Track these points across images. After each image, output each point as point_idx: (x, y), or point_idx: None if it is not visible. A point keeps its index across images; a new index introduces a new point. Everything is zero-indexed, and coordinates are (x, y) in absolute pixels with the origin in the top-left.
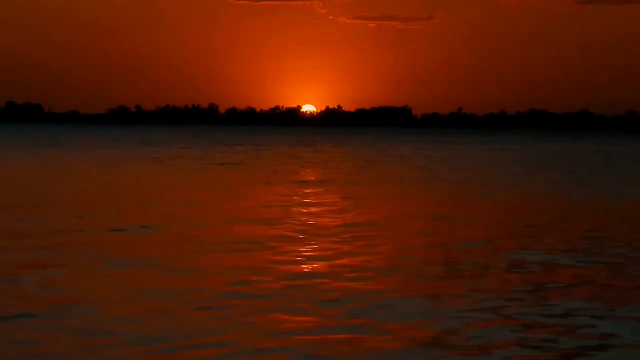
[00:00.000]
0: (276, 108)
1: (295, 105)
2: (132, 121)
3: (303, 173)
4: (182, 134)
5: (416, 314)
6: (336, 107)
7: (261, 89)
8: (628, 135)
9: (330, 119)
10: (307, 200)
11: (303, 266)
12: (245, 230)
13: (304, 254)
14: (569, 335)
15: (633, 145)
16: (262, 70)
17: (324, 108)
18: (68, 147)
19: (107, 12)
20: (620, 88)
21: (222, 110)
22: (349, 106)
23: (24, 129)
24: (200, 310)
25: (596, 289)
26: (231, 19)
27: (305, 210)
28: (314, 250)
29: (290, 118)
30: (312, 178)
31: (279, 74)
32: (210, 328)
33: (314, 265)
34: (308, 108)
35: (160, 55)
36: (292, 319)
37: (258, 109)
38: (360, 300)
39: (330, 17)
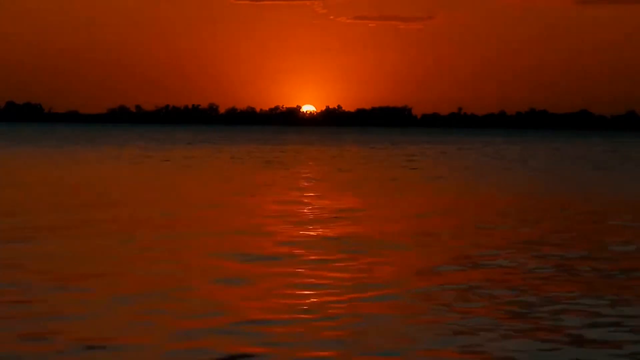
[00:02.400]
0: (276, 108)
1: (295, 105)
2: (132, 121)
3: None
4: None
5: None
6: (336, 107)
7: (261, 89)
8: (627, 135)
9: (330, 119)
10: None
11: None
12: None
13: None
14: None
15: None
16: (262, 70)
17: (324, 108)
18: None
19: (107, 13)
20: (620, 88)
21: (222, 110)
22: (349, 106)
23: (26, 128)
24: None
25: None
26: (231, 19)
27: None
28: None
29: (290, 118)
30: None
31: (279, 74)
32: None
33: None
34: (308, 108)
35: (160, 55)
36: None
37: (258, 109)
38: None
39: (331, 17)
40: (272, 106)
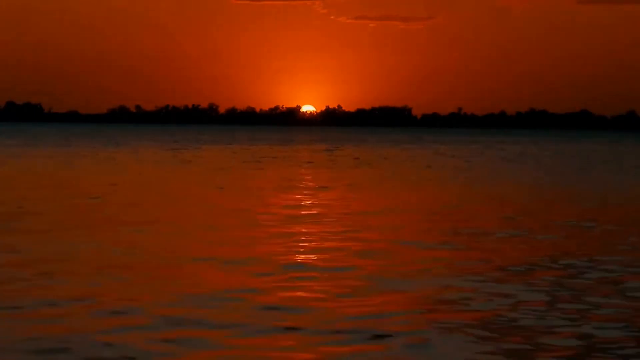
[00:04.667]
0: (276, 108)
1: (295, 105)
2: (132, 121)
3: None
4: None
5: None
6: (336, 107)
7: (261, 89)
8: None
9: (330, 119)
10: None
11: None
12: None
13: None
14: None
15: None
16: (262, 70)
17: (324, 108)
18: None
19: (107, 12)
20: (620, 88)
21: (222, 110)
22: (349, 106)
23: (26, 129)
24: None
25: None
26: (231, 19)
27: None
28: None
29: (290, 118)
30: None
31: (279, 74)
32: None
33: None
34: (308, 108)
35: (160, 55)
36: None
37: (258, 109)
38: None
39: (331, 17)
40: (272, 106)
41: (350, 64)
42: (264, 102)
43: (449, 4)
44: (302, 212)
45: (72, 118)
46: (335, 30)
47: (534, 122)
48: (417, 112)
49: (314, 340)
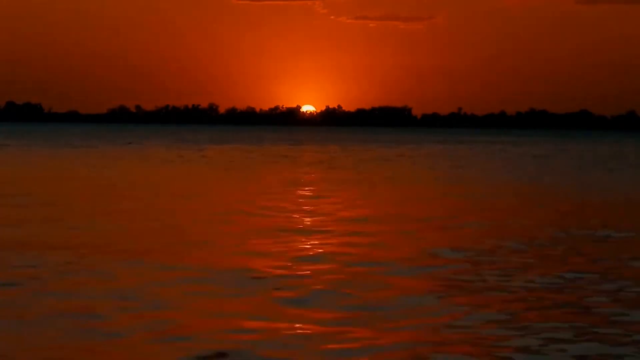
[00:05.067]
0: (276, 108)
1: (295, 105)
2: (132, 121)
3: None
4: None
5: None
6: (336, 107)
7: (261, 89)
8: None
9: (330, 119)
10: None
11: None
12: None
13: None
14: None
15: None
16: (262, 70)
17: (324, 108)
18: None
19: (107, 12)
20: (620, 88)
21: (222, 110)
22: (349, 106)
23: (25, 129)
24: None
25: None
26: (231, 19)
27: None
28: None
29: (290, 118)
30: None
31: (279, 74)
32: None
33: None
34: (307, 108)
35: (160, 55)
36: None
37: (258, 109)
38: None
39: (331, 17)
40: (272, 106)
41: (351, 64)
42: (264, 102)
43: (449, 4)
44: (344, 213)
45: (72, 118)
46: (335, 30)
47: (534, 122)
48: (417, 112)
49: (414, 338)
